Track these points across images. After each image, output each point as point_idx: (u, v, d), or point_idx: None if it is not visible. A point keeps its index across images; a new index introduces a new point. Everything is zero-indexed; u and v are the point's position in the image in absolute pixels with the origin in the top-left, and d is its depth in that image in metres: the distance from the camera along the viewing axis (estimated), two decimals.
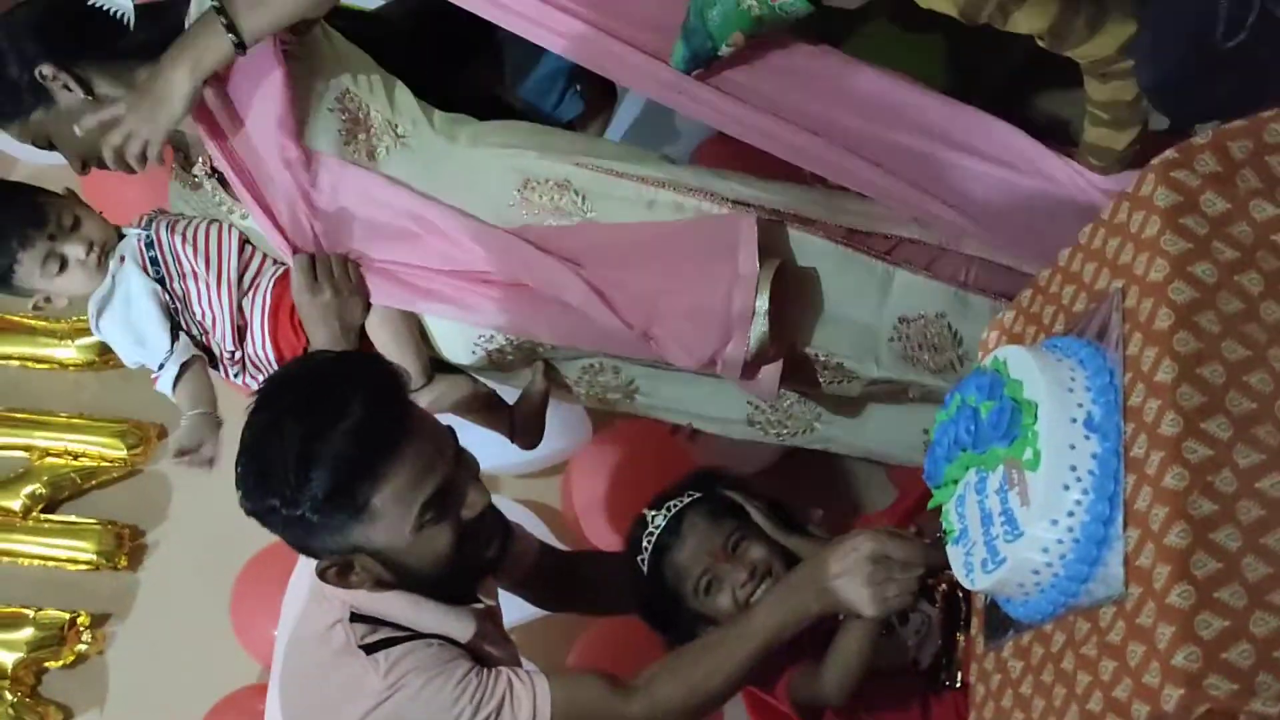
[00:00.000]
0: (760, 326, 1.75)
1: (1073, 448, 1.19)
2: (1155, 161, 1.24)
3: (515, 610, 2.05)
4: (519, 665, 1.59)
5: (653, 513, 1.71)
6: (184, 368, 1.92)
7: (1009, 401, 1.25)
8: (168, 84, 1.68)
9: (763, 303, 1.74)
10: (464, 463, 1.49)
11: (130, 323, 1.94)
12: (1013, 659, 1.33)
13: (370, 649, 1.47)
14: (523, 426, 2.01)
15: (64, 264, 1.94)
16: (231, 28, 1.64)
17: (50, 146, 1.84)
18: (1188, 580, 1.06)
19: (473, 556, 1.51)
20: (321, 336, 1.85)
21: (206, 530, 2.55)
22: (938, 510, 1.40)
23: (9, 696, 2.60)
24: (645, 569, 1.70)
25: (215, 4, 1.65)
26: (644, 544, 1.70)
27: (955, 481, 1.36)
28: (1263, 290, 1.16)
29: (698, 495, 1.72)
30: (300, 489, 1.37)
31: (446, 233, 1.82)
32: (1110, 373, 1.23)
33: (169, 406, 2.64)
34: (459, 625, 1.52)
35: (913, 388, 1.86)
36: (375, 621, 1.49)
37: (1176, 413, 1.12)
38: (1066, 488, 1.19)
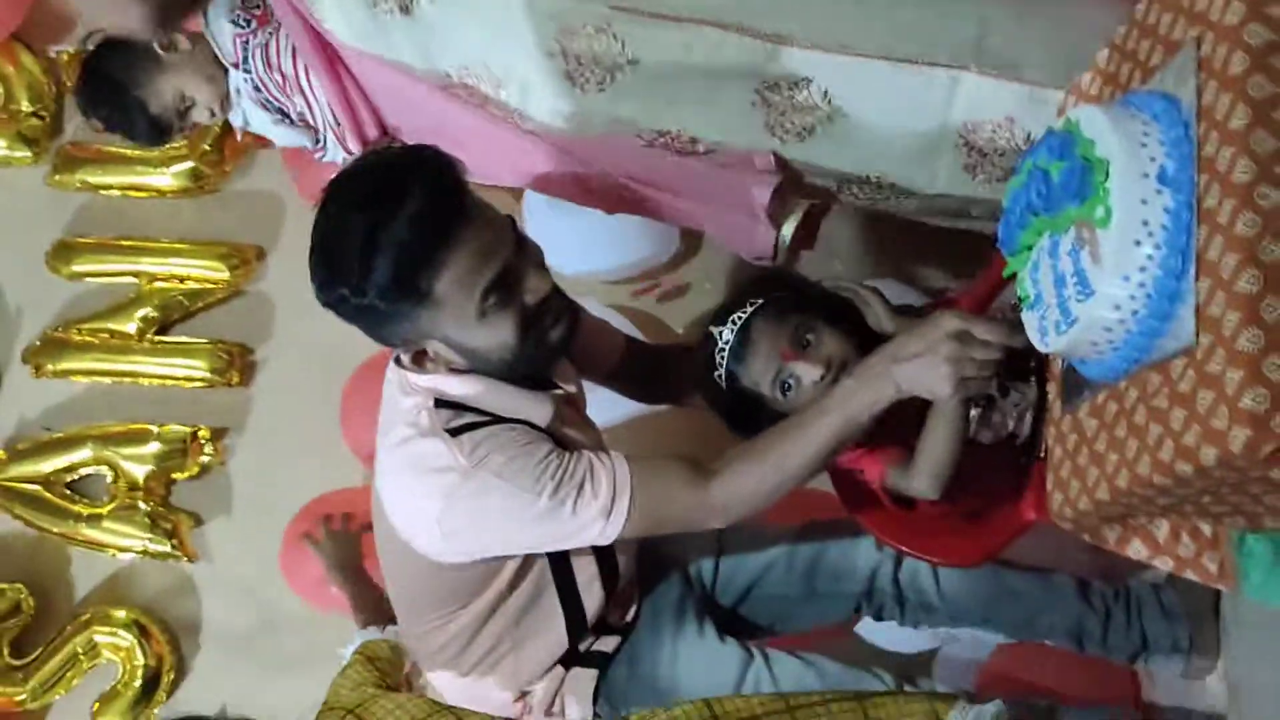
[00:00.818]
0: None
1: (1144, 203, 1.18)
2: None
3: (609, 409, 2.13)
4: (602, 449, 1.65)
5: (718, 328, 1.70)
6: None
7: (1080, 161, 1.24)
8: None
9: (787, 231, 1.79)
10: (525, 250, 1.53)
11: (270, 126, 2.30)
12: (1088, 418, 1.35)
13: (455, 432, 1.54)
14: None
15: (194, 125, 2.38)
16: None
17: None
18: (1257, 325, 1.06)
19: (540, 340, 1.55)
20: None
21: (311, 344, 2.65)
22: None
23: (143, 506, 2.78)
24: (723, 384, 1.70)
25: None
26: (717, 360, 1.70)
27: (1029, 248, 1.36)
28: None
29: (760, 301, 1.70)
30: (365, 277, 1.43)
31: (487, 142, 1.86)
32: (1185, 125, 1.20)
33: (264, 228, 2.77)
34: (538, 408, 1.58)
35: (975, 206, 1.78)
36: (458, 407, 1.56)
37: (1250, 159, 1.10)
38: (1138, 243, 1.18)
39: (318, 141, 2.26)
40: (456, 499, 1.54)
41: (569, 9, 1.71)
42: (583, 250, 2.53)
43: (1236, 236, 1.10)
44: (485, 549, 1.62)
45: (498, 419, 1.56)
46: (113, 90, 2.29)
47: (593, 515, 1.55)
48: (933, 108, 1.67)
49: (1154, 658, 1.98)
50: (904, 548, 1.80)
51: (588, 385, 1.87)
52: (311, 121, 2.23)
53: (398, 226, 1.42)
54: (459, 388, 1.56)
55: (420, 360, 1.53)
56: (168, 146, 2.79)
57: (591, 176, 1.93)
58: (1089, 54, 1.49)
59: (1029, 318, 1.37)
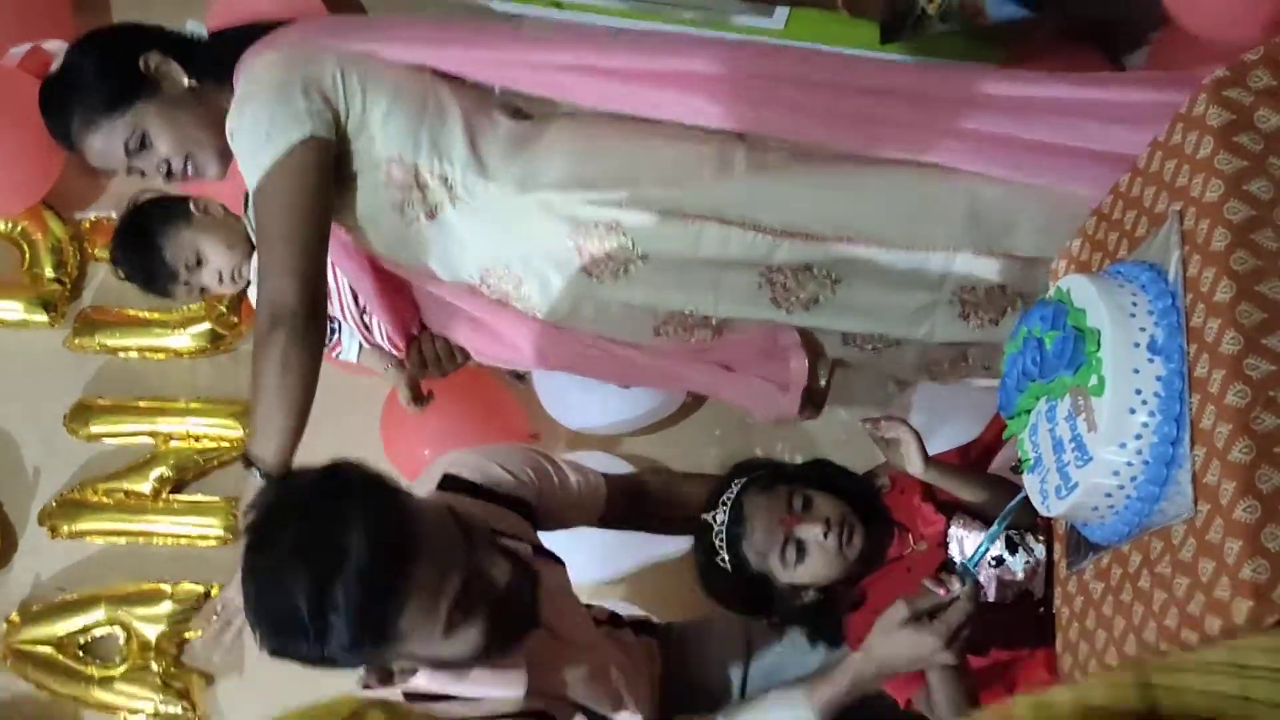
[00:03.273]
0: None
1: (1137, 372, 1.21)
2: (1207, 80, 1.24)
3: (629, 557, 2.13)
4: (603, 656, 1.65)
5: (711, 513, 1.73)
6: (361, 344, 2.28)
7: (1073, 330, 1.27)
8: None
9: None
10: (474, 541, 1.43)
11: None
12: (1094, 580, 1.36)
13: None
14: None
15: (204, 289, 2.41)
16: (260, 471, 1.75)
17: (141, 147, 1.90)
18: (1253, 495, 1.08)
19: (512, 627, 1.47)
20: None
21: None
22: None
23: (155, 667, 2.76)
24: (729, 567, 1.71)
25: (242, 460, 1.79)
26: (717, 545, 1.72)
27: (1027, 411, 1.39)
28: None
29: (744, 480, 1.74)
30: (323, 640, 1.33)
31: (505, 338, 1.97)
32: (1172, 295, 1.24)
33: None
34: (509, 687, 1.52)
35: (970, 351, 1.86)
36: (429, 698, 1.49)
37: (1236, 331, 1.13)
38: (1133, 411, 1.21)
39: (332, 334, 2.30)
40: None
41: (581, 211, 1.80)
42: (587, 407, 2.57)
43: (1228, 406, 1.12)
44: None
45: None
46: (138, 234, 2.40)
47: None
48: (929, 280, 1.78)
49: None
50: None
51: None
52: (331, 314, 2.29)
53: (347, 583, 1.30)
54: (429, 684, 1.50)
55: (388, 680, 1.48)
56: (185, 309, 2.86)
57: (607, 357, 1.99)
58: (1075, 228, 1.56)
59: (1030, 480, 1.39)
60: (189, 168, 1.90)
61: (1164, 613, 1.19)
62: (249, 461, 1.76)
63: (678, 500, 1.97)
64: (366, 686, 1.48)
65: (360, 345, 2.34)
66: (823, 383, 1.90)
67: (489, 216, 1.84)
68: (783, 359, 1.87)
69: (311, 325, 1.75)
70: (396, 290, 2.06)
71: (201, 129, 1.89)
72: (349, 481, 1.38)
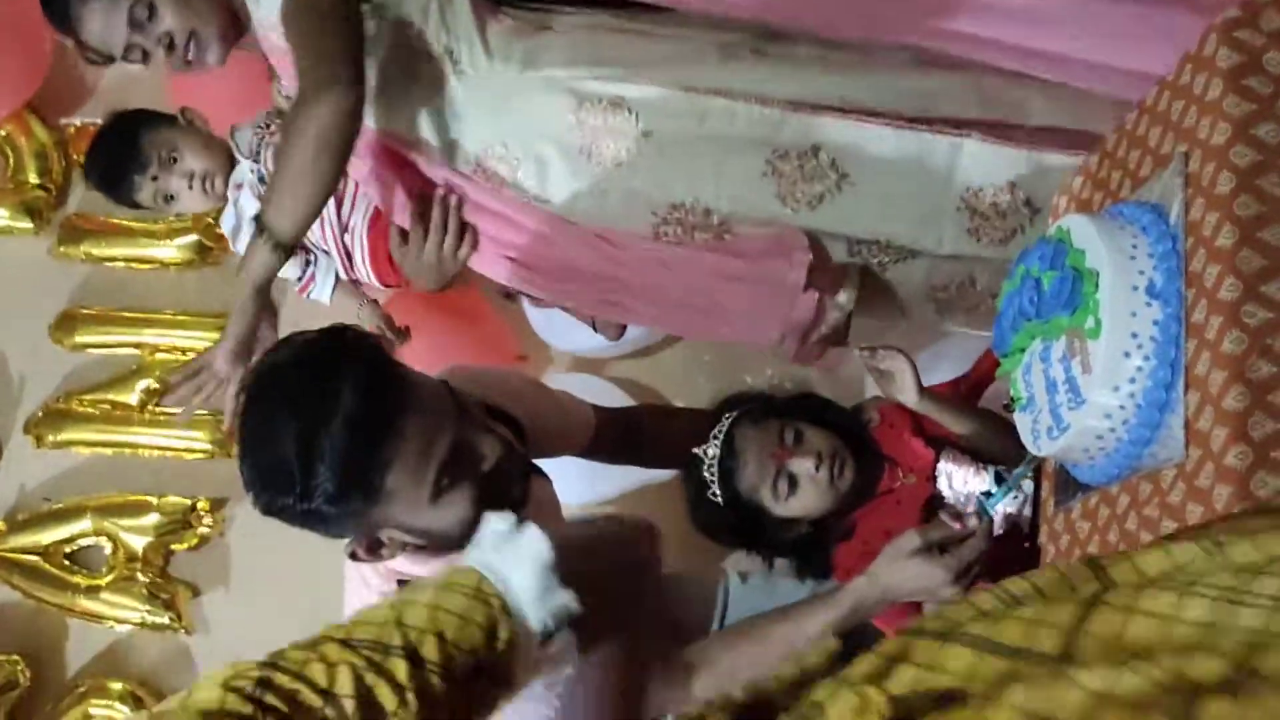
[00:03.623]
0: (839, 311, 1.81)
1: (1134, 315, 1.21)
2: (1218, 20, 1.22)
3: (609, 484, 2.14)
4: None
5: (702, 447, 1.73)
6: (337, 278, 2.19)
7: (1071, 271, 1.26)
8: (240, 311, 1.78)
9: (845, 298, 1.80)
10: (468, 416, 1.44)
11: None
12: (1080, 520, 1.37)
13: None
14: (605, 326, 2.06)
15: (171, 196, 2.27)
16: (271, 239, 1.72)
17: (148, 18, 1.85)
18: (1244, 441, 1.08)
19: (494, 506, 1.40)
20: (422, 284, 1.96)
21: None
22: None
23: (141, 578, 2.78)
24: (721, 499, 1.71)
25: (254, 220, 1.75)
26: (708, 478, 1.71)
27: (1021, 350, 1.38)
28: None
29: (735, 414, 1.74)
30: (308, 487, 1.34)
31: (524, 228, 1.87)
32: (1173, 239, 1.23)
33: None
34: None
35: (978, 267, 1.83)
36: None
37: (1236, 277, 1.12)
38: (1128, 355, 1.20)
39: (306, 267, 2.25)
40: None
41: (585, 85, 1.76)
42: (575, 330, 2.56)
43: (1224, 354, 1.12)
44: None
45: None
46: (118, 125, 2.34)
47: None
48: (936, 173, 1.75)
49: None
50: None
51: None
52: (309, 244, 2.23)
53: (335, 431, 1.31)
54: (422, 567, 1.49)
55: (375, 549, 1.45)
56: (172, 218, 2.83)
57: (599, 264, 1.93)
58: (1089, 119, 1.56)
59: (1022, 419, 1.39)
60: (191, 47, 1.86)
61: None
62: (262, 228, 1.73)
63: (667, 435, 1.95)
64: (353, 555, 1.46)
65: (336, 280, 2.28)
66: (848, 290, 1.83)
67: (490, 94, 1.81)
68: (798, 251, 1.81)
69: (355, 110, 1.71)
70: (398, 167, 1.97)
71: (210, 8, 1.86)
72: (347, 341, 1.40)
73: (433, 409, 1.40)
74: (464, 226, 1.91)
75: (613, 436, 1.92)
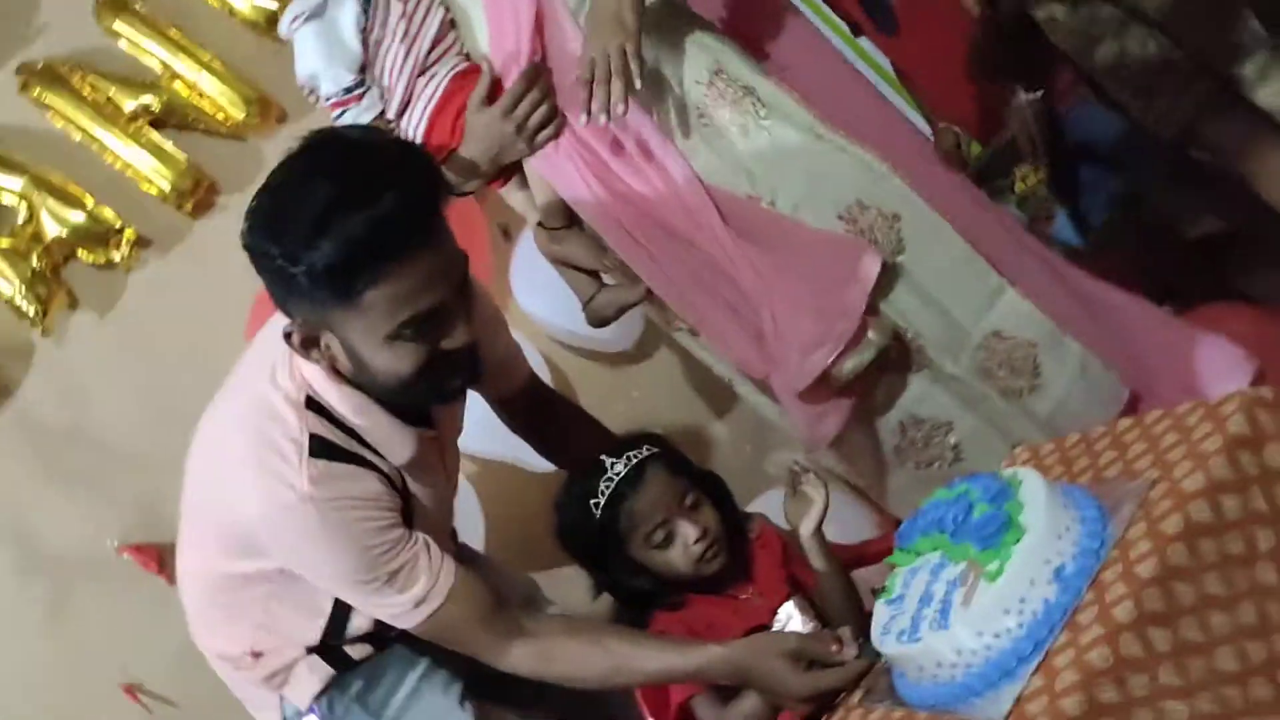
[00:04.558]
0: (867, 354, 1.84)
1: (1032, 583, 1.26)
2: (1248, 390, 1.29)
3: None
4: (452, 495, 1.68)
5: (612, 459, 1.72)
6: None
7: (1005, 515, 1.31)
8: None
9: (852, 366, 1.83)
10: (465, 295, 1.46)
11: (326, 45, 1.98)
12: None
13: (315, 452, 1.47)
14: (599, 307, 2.05)
15: None
16: None
17: None
18: None
19: (432, 386, 1.49)
20: (474, 150, 1.90)
21: None
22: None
23: (35, 262, 2.73)
24: (598, 513, 1.71)
25: None
26: (600, 489, 1.70)
27: (918, 554, 1.43)
28: (1268, 551, 1.22)
29: (658, 450, 1.74)
30: (303, 250, 1.35)
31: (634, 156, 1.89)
32: (1102, 542, 1.28)
33: (298, 95, 2.70)
34: (400, 445, 1.54)
35: (963, 416, 1.91)
36: (328, 416, 1.50)
37: (1135, 605, 1.18)
38: (1007, 612, 1.25)
39: (359, 86, 2.02)
40: (279, 518, 1.48)
41: (730, 62, 1.91)
42: (548, 301, 2.57)
43: (1086, 661, 1.17)
44: (281, 565, 1.58)
45: (358, 453, 1.51)
46: None
47: (397, 604, 1.54)
48: (977, 300, 1.89)
49: None
50: None
51: None
52: (372, 70, 2.02)
53: (356, 221, 1.33)
54: (334, 396, 1.50)
55: (309, 346, 1.46)
56: None
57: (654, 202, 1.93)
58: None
59: (881, 609, 1.43)
60: None
61: None
62: None
63: (572, 432, 1.95)
64: (288, 338, 1.46)
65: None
66: (856, 358, 1.85)
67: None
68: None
69: None
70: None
71: None
72: (422, 159, 1.44)
73: (445, 260, 1.42)
74: (556, 111, 1.89)
75: (528, 404, 1.93)
